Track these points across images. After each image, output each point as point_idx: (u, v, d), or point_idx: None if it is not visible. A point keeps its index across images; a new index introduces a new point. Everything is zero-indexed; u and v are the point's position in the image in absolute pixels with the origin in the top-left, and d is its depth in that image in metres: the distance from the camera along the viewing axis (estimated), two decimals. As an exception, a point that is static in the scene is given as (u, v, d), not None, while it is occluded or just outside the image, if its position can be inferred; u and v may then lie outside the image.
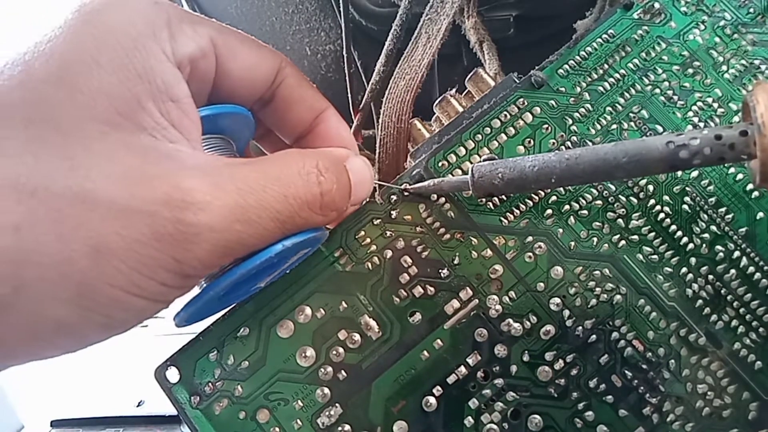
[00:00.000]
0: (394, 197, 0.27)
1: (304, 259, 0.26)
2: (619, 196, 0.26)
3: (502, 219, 0.26)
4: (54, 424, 0.53)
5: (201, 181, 0.19)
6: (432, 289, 0.26)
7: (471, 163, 0.27)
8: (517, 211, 0.26)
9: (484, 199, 0.26)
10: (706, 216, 0.26)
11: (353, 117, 0.37)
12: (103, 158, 0.18)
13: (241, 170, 0.20)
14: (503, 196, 0.27)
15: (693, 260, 0.26)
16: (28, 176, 0.17)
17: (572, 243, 0.26)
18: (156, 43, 0.20)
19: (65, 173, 0.17)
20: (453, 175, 0.27)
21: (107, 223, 0.17)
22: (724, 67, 0.28)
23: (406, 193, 0.27)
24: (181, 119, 0.20)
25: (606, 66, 0.28)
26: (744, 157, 0.21)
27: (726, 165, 0.26)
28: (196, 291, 0.22)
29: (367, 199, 0.26)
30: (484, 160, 0.25)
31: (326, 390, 0.25)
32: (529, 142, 0.27)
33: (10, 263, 0.16)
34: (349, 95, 0.37)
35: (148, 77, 0.19)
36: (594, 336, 0.25)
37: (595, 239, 0.26)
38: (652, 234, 0.26)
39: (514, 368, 0.25)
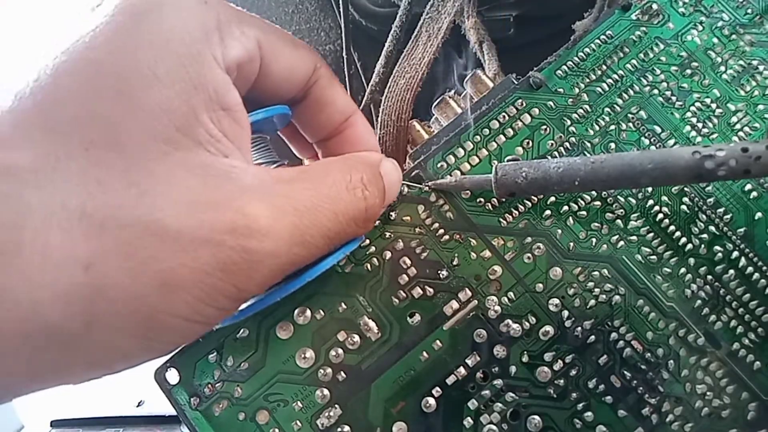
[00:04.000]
0: (393, 198, 0.27)
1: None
2: (618, 196, 0.26)
3: (501, 220, 0.26)
4: (54, 424, 0.53)
5: (262, 205, 0.18)
6: (431, 290, 0.26)
7: (470, 164, 0.27)
8: (516, 212, 0.26)
9: (504, 199, 0.26)
10: (704, 216, 0.26)
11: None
12: (167, 182, 0.17)
13: (295, 188, 0.20)
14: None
15: (692, 261, 0.26)
16: (95, 206, 0.16)
17: (571, 244, 0.26)
18: (208, 48, 0.19)
19: (133, 202, 0.16)
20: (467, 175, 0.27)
21: (176, 255, 0.17)
22: (723, 68, 0.28)
23: (428, 190, 0.27)
24: (233, 129, 0.19)
25: (604, 67, 0.28)
26: None
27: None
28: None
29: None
30: (509, 161, 0.25)
31: (326, 391, 0.25)
32: (528, 143, 0.27)
33: (82, 300, 0.16)
34: (349, 95, 0.37)
35: (203, 87, 0.18)
36: (593, 336, 0.25)
37: (593, 240, 0.26)
38: (651, 234, 0.26)
39: (513, 369, 0.25)
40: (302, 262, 0.20)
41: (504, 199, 0.26)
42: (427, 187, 0.27)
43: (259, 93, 0.23)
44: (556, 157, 0.27)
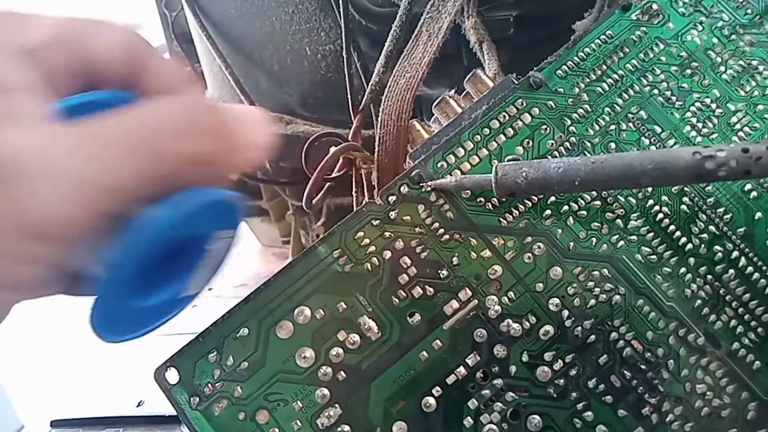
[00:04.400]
0: (392, 198, 0.27)
1: (228, 253, 0.22)
2: (618, 196, 0.26)
3: (501, 219, 0.26)
4: (54, 424, 0.53)
5: (32, 130, 0.16)
6: (431, 289, 0.26)
7: (470, 164, 0.27)
8: (516, 212, 0.26)
9: (504, 199, 0.26)
10: (704, 216, 0.26)
11: (353, 117, 0.37)
12: None
13: (95, 120, 0.17)
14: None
15: (692, 260, 0.26)
16: None
17: (571, 243, 0.26)
18: None
19: None
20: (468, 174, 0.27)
21: None
22: (722, 68, 0.28)
23: (428, 189, 0.27)
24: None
25: (604, 67, 0.28)
26: None
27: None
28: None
29: (366, 200, 0.26)
30: (509, 161, 0.25)
31: (326, 391, 0.25)
32: (528, 143, 0.27)
33: None
34: (349, 95, 0.37)
35: None
36: (593, 336, 0.25)
37: (594, 239, 0.26)
38: (651, 234, 0.26)
39: (513, 368, 0.25)
40: (115, 182, 0.16)
41: (504, 199, 0.26)
42: (429, 188, 0.27)
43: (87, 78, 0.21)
44: (556, 157, 0.27)
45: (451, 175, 0.27)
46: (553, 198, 0.26)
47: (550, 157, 0.27)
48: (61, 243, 0.16)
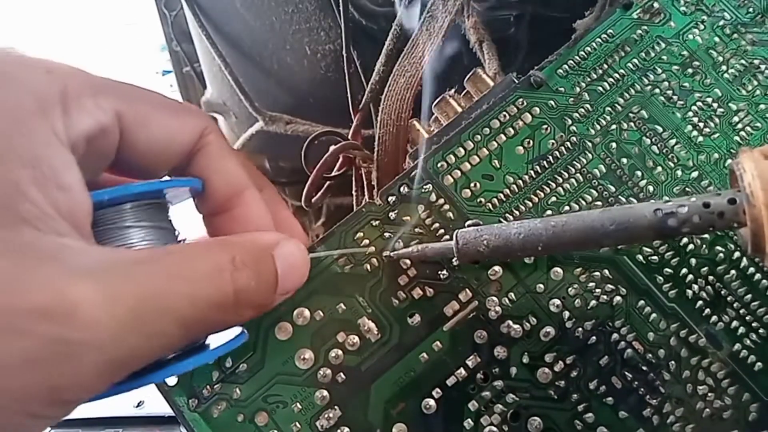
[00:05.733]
0: (392, 198, 0.27)
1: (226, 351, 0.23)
2: (619, 197, 0.26)
3: (502, 220, 0.26)
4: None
5: (90, 288, 0.16)
6: (431, 290, 0.26)
7: (470, 164, 0.27)
8: (517, 213, 0.26)
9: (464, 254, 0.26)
10: (706, 217, 0.26)
11: (353, 117, 0.37)
12: None
13: (141, 270, 0.17)
14: (501, 196, 0.26)
15: (693, 261, 0.26)
16: None
17: (572, 244, 0.26)
18: (45, 122, 0.17)
19: None
20: (437, 241, 0.26)
21: None
22: (724, 67, 0.28)
23: (388, 259, 0.26)
24: (71, 209, 0.17)
25: (605, 66, 0.28)
26: (735, 225, 0.21)
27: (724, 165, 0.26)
28: None
29: (365, 201, 0.26)
30: (469, 226, 0.25)
31: (325, 392, 0.25)
32: (529, 142, 0.27)
33: None
34: (349, 95, 0.37)
35: (33, 163, 0.17)
36: (594, 337, 0.25)
37: (594, 240, 0.26)
38: (652, 235, 0.26)
39: (513, 370, 0.25)
40: (151, 354, 0.18)
41: (505, 200, 0.26)
42: (386, 256, 0.26)
43: (127, 163, 0.21)
44: (557, 156, 0.27)
45: (431, 178, 0.27)
46: (554, 198, 0.26)
47: (550, 157, 0.27)
48: (78, 405, 0.17)
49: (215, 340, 0.22)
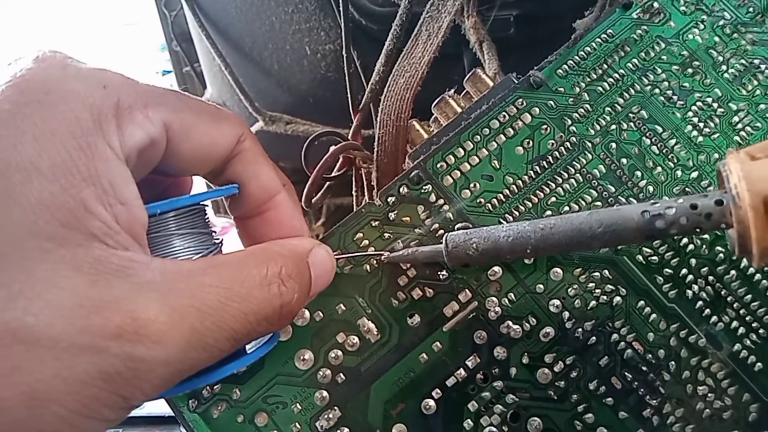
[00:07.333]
0: (392, 199, 0.27)
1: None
2: (619, 197, 0.26)
3: (501, 220, 0.26)
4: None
5: (158, 307, 0.17)
6: (431, 291, 0.26)
7: (470, 164, 0.27)
8: (517, 213, 0.26)
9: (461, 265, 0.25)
10: (706, 217, 0.26)
11: (353, 117, 0.37)
12: (47, 283, 0.16)
13: (201, 285, 0.19)
14: (501, 196, 0.26)
15: (693, 261, 0.26)
16: None
17: (572, 244, 0.26)
18: (102, 138, 0.18)
19: (2, 306, 0.16)
20: (426, 241, 0.26)
21: (48, 365, 0.16)
22: (724, 67, 0.28)
23: (382, 261, 0.26)
24: (130, 223, 0.18)
25: (605, 66, 0.28)
26: (722, 227, 0.21)
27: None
28: None
29: (365, 201, 0.26)
30: (458, 229, 0.25)
31: (325, 393, 0.25)
32: (528, 142, 0.27)
33: None
34: (349, 95, 0.36)
35: (95, 180, 0.17)
36: (594, 338, 0.25)
37: (594, 240, 0.26)
38: (652, 235, 0.26)
39: (513, 370, 0.25)
40: (203, 365, 0.19)
41: (505, 200, 0.26)
42: (381, 258, 0.26)
43: (171, 166, 0.22)
44: (556, 157, 0.27)
45: (430, 178, 0.27)
46: (553, 198, 0.26)
47: (550, 157, 0.27)
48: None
49: (252, 343, 0.23)
